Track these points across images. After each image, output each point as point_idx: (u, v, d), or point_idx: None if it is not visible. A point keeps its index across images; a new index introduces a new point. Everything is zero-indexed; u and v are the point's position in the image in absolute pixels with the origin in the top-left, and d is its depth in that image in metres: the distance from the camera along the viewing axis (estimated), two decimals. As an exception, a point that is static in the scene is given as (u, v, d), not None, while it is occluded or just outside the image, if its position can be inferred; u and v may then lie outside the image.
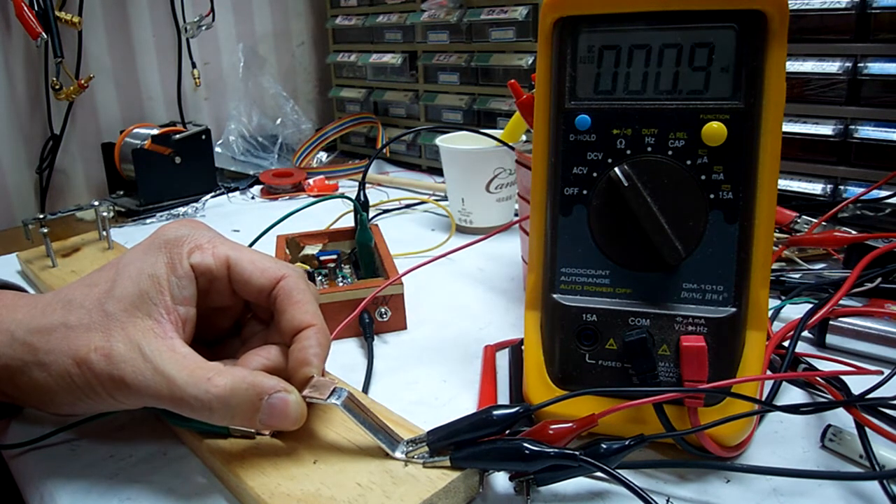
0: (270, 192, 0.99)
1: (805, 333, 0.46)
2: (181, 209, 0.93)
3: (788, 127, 0.68)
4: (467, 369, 0.47)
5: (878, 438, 0.34)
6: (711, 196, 0.35)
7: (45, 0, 0.90)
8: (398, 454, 0.34)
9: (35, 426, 0.41)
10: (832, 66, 0.66)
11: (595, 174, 0.37)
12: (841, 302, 0.47)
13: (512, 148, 0.60)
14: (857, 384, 0.38)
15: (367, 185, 0.71)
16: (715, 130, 0.35)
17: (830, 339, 0.47)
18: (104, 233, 0.72)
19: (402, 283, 0.52)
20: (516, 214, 0.73)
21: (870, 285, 0.51)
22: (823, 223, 0.60)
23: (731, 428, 0.34)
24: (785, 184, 0.71)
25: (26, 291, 0.44)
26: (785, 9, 0.33)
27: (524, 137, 0.63)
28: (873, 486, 0.33)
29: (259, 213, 0.91)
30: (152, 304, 0.35)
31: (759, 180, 0.35)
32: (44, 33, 0.88)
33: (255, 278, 0.38)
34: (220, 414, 0.33)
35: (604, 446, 0.32)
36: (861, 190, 0.65)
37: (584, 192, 0.37)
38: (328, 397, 0.35)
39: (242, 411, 0.33)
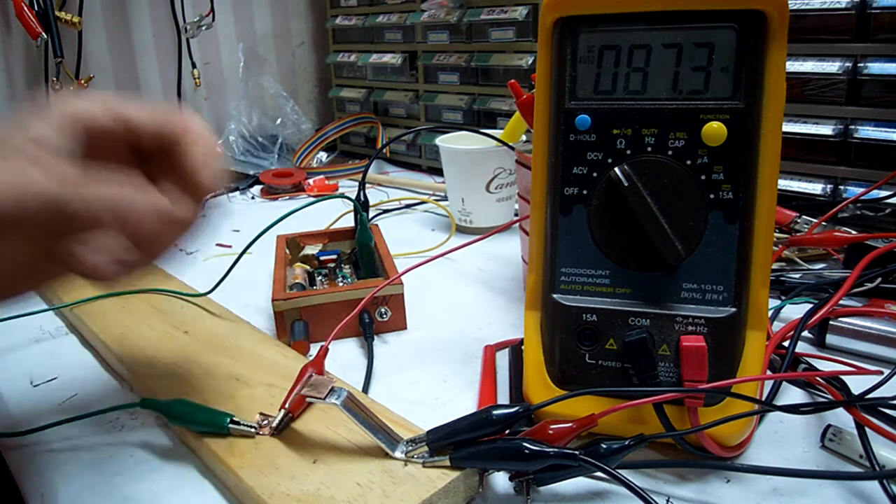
0: (270, 192, 0.99)
1: (805, 333, 0.46)
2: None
3: (788, 127, 0.68)
4: (467, 369, 0.47)
5: (878, 438, 0.34)
6: (711, 196, 0.35)
7: (45, 0, 0.90)
8: (398, 454, 0.34)
9: (34, 422, 0.41)
10: (832, 66, 0.65)
11: (595, 174, 0.37)
12: (841, 302, 0.47)
13: (512, 148, 0.60)
14: (857, 384, 0.38)
15: (367, 185, 0.71)
16: (715, 130, 0.35)
17: (830, 339, 0.47)
18: (104, 233, 0.71)
19: (401, 283, 0.52)
20: (516, 214, 0.73)
21: (870, 285, 0.51)
22: (823, 223, 0.60)
23: (731, 428, 0.34)
24: (785, 184, 0.71)
25: None
26: (785, 9, 0.33)
27: (524, 137, 0.63)
28: (873, 486, 0.33)
29: (259, 213, 0.91)
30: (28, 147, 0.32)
31: (759, 180, 0.35)
32: (44, 33, 0.88)
33: (145, 120, 0.35)
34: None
35: (604, 446, 0.32)
36: (861, 190, 0.64)
37: (584, 192, 0.37)
38: (327, 396, 0.35)
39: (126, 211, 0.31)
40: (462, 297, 0.60)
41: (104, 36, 1.04)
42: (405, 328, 0.54)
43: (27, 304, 0.60)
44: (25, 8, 0.87)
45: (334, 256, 0.62)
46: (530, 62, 0.87)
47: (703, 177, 0.35)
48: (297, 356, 0.46)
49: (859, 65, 0.64)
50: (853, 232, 0.57)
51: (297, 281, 0.55)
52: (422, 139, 1.05)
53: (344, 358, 0.50)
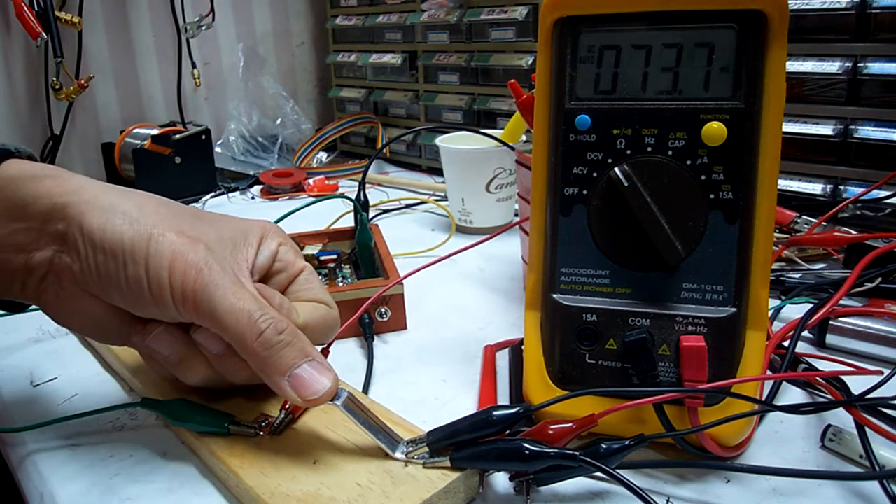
0: (270, 192, 0.99)
1: (805, 333, 0.46)
2: (181, 209, 0.93)
3: (788, 127, 0.68)
4: (467, 369, 0.47)
5: (878, 438, 0.34)
6: (711, 196, 0.35)
7: (45, 0, 0.90)
8: (398, 454, 0.34)
9: (34, 422, 0.41)
10: (832, 66, 0.65)
11: (595, 174, 0.37)
12: (841, 302, 0.47)
13: (512, 148, 0.60)
14: (857, 384, 0.38)
15: (367, 185, 0.71)
16: (715, 130, 0.35)
17: (830, 339, 0.47)
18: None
19: (402, 283, 0.52)
20: (516, 214, 0.73)
21: (870, 285, 0.51)
22: (823, 223, 0.60)
23: (731, 428, 0.34)
24: (785, 184, 0.71)
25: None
26: (785, 9, 0.33)
27: (524, 137, 0.63)
28: (873, 486, 0.33)
29: (259, 213, 0.91)
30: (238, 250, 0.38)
31: (759, 180, 0.35)
32: (44, 33, 0.88)
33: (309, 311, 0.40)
34: (258, 347, 0.33)
35: (604, 446, 0.32)
36: (861, 190, 0.64)
37: (584, 192, 0.37)
38: (328, 397, 0.35)
39: (278, 359, 0.34)
40: (462, 297, 0.60)
41: (104, 36, 1.04)
42: (405, 328, 0.54)
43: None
44: (25, 8, 0.87)
45: (334, 256, 0.61)
46: (530, 62, 0.87)
47: (703, 177, 0.35)
48: (297, 356, 0.46)
49: (859, 65, 0.64)
50: (853, 232, 0.57)
51: (297, 281, 0.55)
52: (422, 139, 1.04)
53: (344, 358, 0.50)
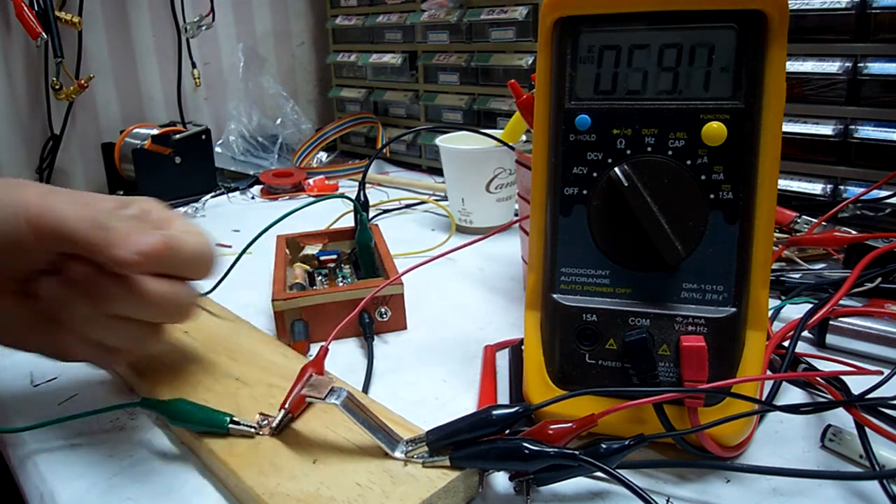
0: (270, 192, 0.99)
1: (805, 333, 0.46)
2: (181, 209, 0.93)
3: (788, 127, 0.68)
4: (467, 369, 0.47)
5: (878, 438, 0.34)
6: (711, 196, 0.35)
7: (45, 0, 0.90)
8: (398, 454, 0.34)
9: (34, 422, 0.41)
10: (832, 66, 0.65)
11: (595, 174, 0.37)
12: (841, 302, 0.47)
13: (512, 148, 0.60)
14: (857, 384, 0.38)
15: (367, 185, 0.71)
16: (715, 130, 0.35)
17: (830, 339, 0.47)
18: (104, 233, 0.71)
19: (401, 283, 0.52)
20: (516, 214, 0.73)
21: (870, 285, 0.51)
22: (823, 223, 0.60)
23: (731, 428, 0.34)
24: (785, 184, 0.71)
25: None
26: (785, 9, 0.33)
27: (524, 137, 0.63)
28: (873, 486, 0.33)
29: (259, 213, 0.91)
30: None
31: (759, 180, 0.35)
32: (44, 33, 0.88)
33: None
34: (98, 235, 0.35)
35: (604, 446, 0.32)
36: (861, 190, 0.64)
37: (584, 192, 0.37)
38: (327, 396, 0.35)
39: (115, 234, 0.35)
40: (462, 297, 0.60)
41: (104, 36, 1.04)
42: (405, 328, 0.54)
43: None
44: (25, 8, 0.87)
45: (334, 256, 0.61)
46: (530, 62, 0.87)
47: (703, 177, 0.35)
48: (297, 356, 0.46)
49: (859, 65, 0.64)
50: (853, 232, 0.57)
51: (297, 281, 0.55)
52: (422, 139, 1.05)
53: (344, 358, 0.50)
